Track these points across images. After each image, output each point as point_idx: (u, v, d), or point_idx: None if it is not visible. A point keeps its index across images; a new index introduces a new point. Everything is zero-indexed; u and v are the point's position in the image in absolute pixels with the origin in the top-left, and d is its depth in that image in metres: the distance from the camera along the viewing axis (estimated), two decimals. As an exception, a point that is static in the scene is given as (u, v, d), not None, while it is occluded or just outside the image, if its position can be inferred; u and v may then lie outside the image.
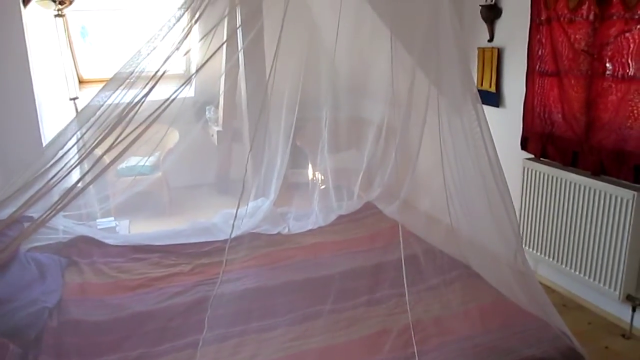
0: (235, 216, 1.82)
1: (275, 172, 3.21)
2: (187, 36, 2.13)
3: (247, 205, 2.86)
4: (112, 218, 3.26)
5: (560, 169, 2.87)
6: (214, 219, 3.12)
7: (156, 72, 2.03)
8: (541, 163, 3.00)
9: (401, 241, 1.68)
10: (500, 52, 3.26)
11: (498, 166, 1.92)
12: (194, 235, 2.91)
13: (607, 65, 2.52)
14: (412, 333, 1.77)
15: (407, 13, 2.17)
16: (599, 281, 2.67)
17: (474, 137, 1.96)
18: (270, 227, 3.00)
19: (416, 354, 1.69)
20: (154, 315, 2.08)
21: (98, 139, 2.00)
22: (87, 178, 1.94)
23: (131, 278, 2.41)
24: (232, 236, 1.81)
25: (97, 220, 3.16)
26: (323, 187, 3.49)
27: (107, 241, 2.77)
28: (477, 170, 2.00)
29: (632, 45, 2.38)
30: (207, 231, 2.96)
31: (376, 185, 3.29)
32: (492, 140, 1.93)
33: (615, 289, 2.58)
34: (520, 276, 2.02)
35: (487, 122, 1.93)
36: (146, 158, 3.62)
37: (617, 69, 2.47)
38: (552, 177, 2.90)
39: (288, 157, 3.25)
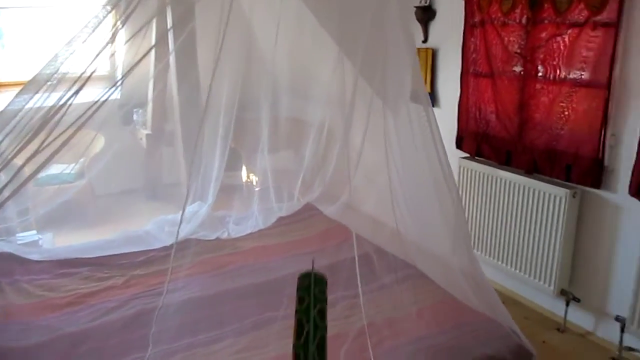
0: (181, 221, 1.71)
1: (213, 175, 3.09)
2: (114, 37, 2.00)
3: (184, 210, 2.74)
4: (34, 231, 3.00)
5: (496, 167, 2.95)
6: (147, 226, 2.96)
7: (81, 74, 1.89)
8: (476, 162, 3.07)
9: (355, 241, 1.64)
10: (434, 53, 3.31)
11: (448, 167, 1.93)
12: (126, 245, 2.75)
13: (539, 67, 2.61)
14: (368, 336, 1.74)
15: (349, 14, 2.14)
16: (535, 277, 2.77)
17: (423, 137, 1.96)
18: (208, 233, 2.89)
19: (372, 358, 1.66)
20: (88, 335, 1.92)
21: (17, 148, 1.83)
22: (6, 192, 1.76)
23: (59, 296, 2.22)
24: (169, 243, 1.70)
25: (17, 235, 2.91)
26: (258, 189, 3.42)
27: (30, 257, 2.54)
28: (426, 171, 2.00)
29: (562, 49, 2.48)
30: (141, 240, 2.80)
31: (316, 186, 3.26)
32: (442, 140, 1.94)
33: (549, 284, 2.67)
34: (470, 276, 2.05)
35: (437, 123, 1.94)
36: (71, 165, 3.39)
37: (548, 71, 2.57)
38: (487, 176, 2.98)
39: (226, 160, 3.14)
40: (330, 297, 2.07)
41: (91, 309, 2.11)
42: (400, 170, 2.21)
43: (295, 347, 0.50)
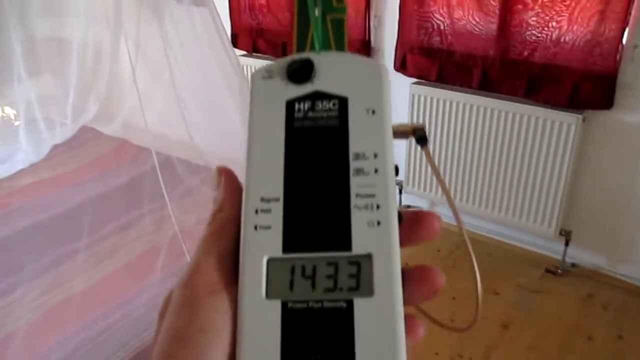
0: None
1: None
2: None
3: None
4: None
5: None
6: None
7: None
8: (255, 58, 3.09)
9: (153, 153, 1.55)
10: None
11: (239, 68, 1.89)
12: None
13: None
14: (182, 243, 1.71)
15: None
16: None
17: (209, 39, 1.87)
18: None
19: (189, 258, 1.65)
20: None
21: None
22: None
23: None
24: None
25: None
26: (19, 123, 2.99)
27: None
28: (217, 76, 1.94)
29: None
30: None
31: (91, 106, 2.95)
32: (230, 41, 1.88)
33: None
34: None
35: (222, 22, 1.86)
36: None
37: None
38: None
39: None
40: (135, 214, 2.01)
41: None
42: (187, 74, 2.11)
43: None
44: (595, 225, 2.44)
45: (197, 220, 1.85)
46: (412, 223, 0.32)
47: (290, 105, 0.34)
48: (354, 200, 0.31)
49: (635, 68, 2.10)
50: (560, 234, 2.47)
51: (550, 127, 2.27)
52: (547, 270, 2.55)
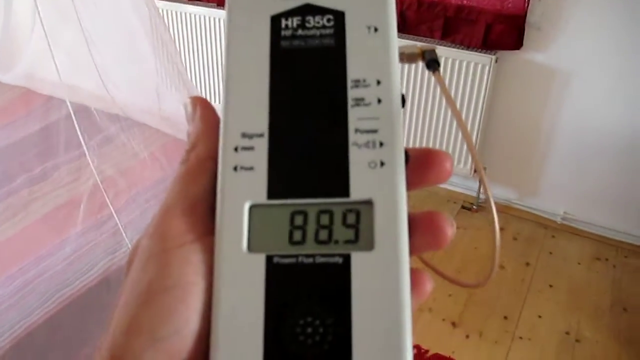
0: None
1: None
2: None
3: None
4: None
5: None
6: None
7: None
8: None
9: (68, 102, 1.45)
10: None
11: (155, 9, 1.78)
12: None
13: None
14: (104, 193, 1.64)
15: None
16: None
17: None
18: None
19: (113, 213, 1.60)
20: None
21: None
22: None
23: None
24: None
25: None
26: None
27: None
28: (132, 19, 1.82)
29: None
30: None
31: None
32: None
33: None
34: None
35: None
36: None
37: None
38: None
39: None
40: (50, 164, 1.89)
41: None
42: (96, 15, 1.97)
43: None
44: (507, 163, 2.59)
45: (118, 169, 1.78)
46: (419, 163, 0.27)
47: (275, 21, 0.29)
48: (352, 137, 0.27)
49: (543, 9, 2.20)
50: (475, 171, 2.60)
51: (466, 68, 2.34)
52: (463, 207, 2.69)
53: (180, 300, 0.24)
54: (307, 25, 0.28)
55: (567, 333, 2.07)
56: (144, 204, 1.65)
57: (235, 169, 0.26)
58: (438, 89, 2.44)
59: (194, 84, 3.01)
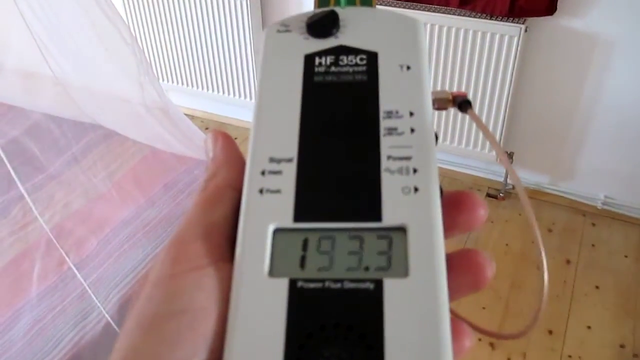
0: None
1: None
2: None
3: None
4: None
5: None
6: None
7: None
8: None
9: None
10: None
11: None
12: None
13: None
14: (57, 244, 1.33)
15: None
16: (237, 95, 2.60)
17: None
18: None
19: (74, 268, 1.29)
20: None
21: None
22: None
23: None
24: None
25: None
26: None
27: None
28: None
29: None
30: None
31: None
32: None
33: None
34: (163, 117, 1.70)
35: None
36: None
37: None
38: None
39: None
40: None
41: None
42: (40, 11, 1.61)
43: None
44: (537, 145, 2.26)
45: (77, 208, 1.43)
46: (450, 206, 0.25)
47: (309, 59, 0.29)
48: (385, 163, 0.25)
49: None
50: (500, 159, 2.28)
51: (490, 40, 1.98)
52: (488, 195, 2.38)
53: (188, 328, 0.22)
54: (341, 63, 0.29)
55: (622, 346, 1.80)
56: (115, 252, 1.33)
57: (260, 191, 0.25)
58: (457, 64, 2.10)
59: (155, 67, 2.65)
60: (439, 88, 2.16)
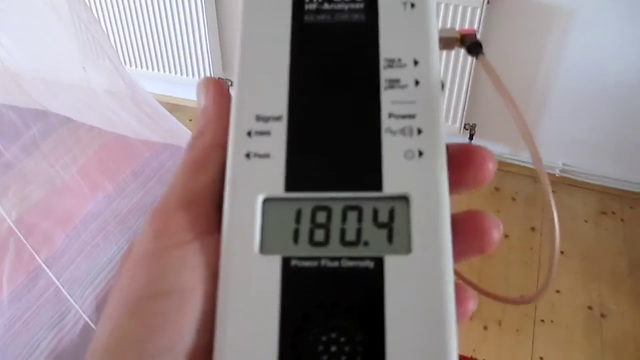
0: None
1: None
2: None
3: None
4: None
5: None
6: None
7: None
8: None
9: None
10: None
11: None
12: None
13: None
14: (24, 240, 1.23)
15: None
16: (190, 75, 2.49)
17: None
18: None
19: (44, 265, 1.19)
20: None
21: None
22: None
23: None
24: None
25: None
26: None
27: None
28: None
29: None
30: None
31: None
32: None
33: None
34: (129, 99, 1.61)
35: None
36: None
37: None
38: None
39: None
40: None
41: None
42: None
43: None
44: (499, 116, 2.29)
45: (38, 198, 1.32)
46: (456, 161, 0.23)
47: None
48: (386, 122, 0.23)
49: None
50: (465, 128, 2.30)
51: (453, 13, 1.98)
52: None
53: (174, 309, 0.21)
54: None
55: (590, 308, 1.87)
56: (86, 246, 1.24)
57: (247, 156, 0.23)
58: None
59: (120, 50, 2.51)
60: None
